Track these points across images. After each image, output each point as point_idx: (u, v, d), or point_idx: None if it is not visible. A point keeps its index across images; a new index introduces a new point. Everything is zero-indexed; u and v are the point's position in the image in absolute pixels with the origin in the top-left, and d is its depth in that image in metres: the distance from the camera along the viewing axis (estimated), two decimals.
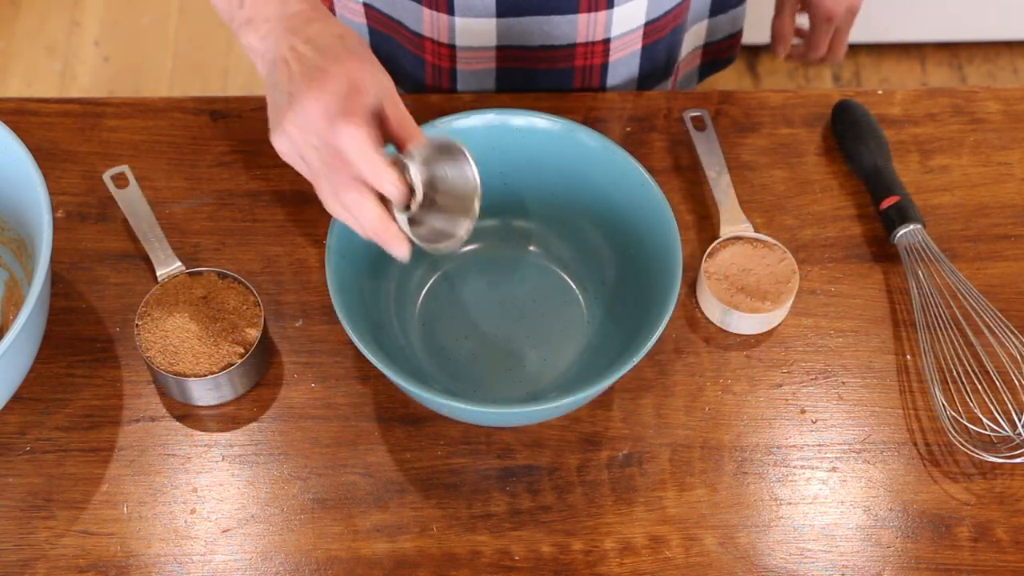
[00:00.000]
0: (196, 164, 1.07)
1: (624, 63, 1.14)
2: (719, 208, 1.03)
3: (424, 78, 1.15)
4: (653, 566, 0.89)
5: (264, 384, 0.96)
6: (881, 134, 1.08)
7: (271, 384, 0.96)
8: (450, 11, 1.07)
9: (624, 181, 0.95)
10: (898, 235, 1.02)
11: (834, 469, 0.94)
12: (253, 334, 0.94)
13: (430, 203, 0.84)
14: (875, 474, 0.94)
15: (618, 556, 0.90)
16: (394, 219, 0.81)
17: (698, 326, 1.00)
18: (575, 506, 0.92)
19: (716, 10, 1.21)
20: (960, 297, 0.99)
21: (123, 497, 0.91)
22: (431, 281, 1.00)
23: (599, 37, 1.09)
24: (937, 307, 0.98)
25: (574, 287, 1.00)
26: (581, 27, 1.08)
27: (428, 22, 1.09)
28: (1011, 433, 0.94)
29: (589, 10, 1.06)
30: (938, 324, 0.97)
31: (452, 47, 1.10)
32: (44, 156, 1.06)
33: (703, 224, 1.05)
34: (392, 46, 1.15)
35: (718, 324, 0.99)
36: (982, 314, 0.97)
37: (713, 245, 1.01)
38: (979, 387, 0.95)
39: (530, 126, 0.96)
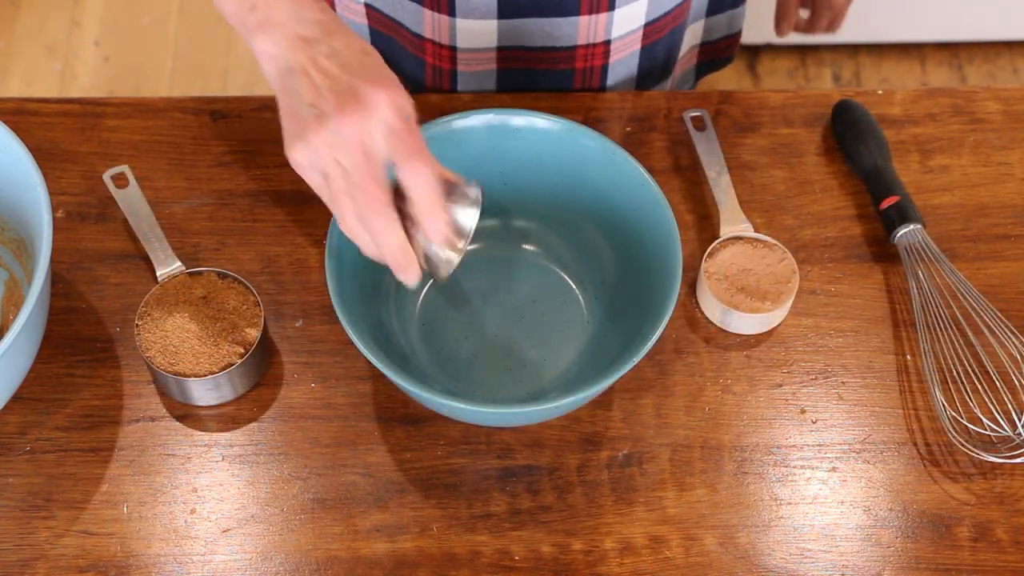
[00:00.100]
0: (196, 164, 1.07)
1: (623, 63, 1.14)
2: (719, 208, 1.03)
3: (424, 79, 1.15)
4: (653, 566, 0.89)
5: (264, 384, 0.96)
6: (881, 134, 1.08)
7: (271, 384, 0.96)
8: (451, 12, 1.07)
9: (624, 181, 0.95)
10: (898, 235, 1.02)
11: (834, 469, 0.94)
12: (253, 334, 0.94)
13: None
14: (875, 474, 0.94)
15: (618, 556, 0.90)
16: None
17: (698, 326, 1.00)
18: (575, 506, 0.92)
19: (713, 10, 1.21)
20: (960, 297, 0.99)
21: (123, 497, 0.91)
22: (431, 281, 1.00)
23: (600, 39, 1.09)
24: (937, 307, 0.98)
25: (574, 287, 1.00)
26: (582, 29, 1.08)
27: (429, 23, 1.09)
28: (1011, 433, 0.94)
29: (590, 12, 1.07)
30: (938, 324, 0.97)
31: (453, 48, 1.10)
32: (44, 156, 1.06)
33: (703, 224, 1.05)
34: (392, 47, 1.15)
35: (718, 324, 0.99)
36: (982, 314, 0.97)
37: (713, 245, 1.01)
38: (979, 387, 0.95)
39: (530, 126, 0.96)
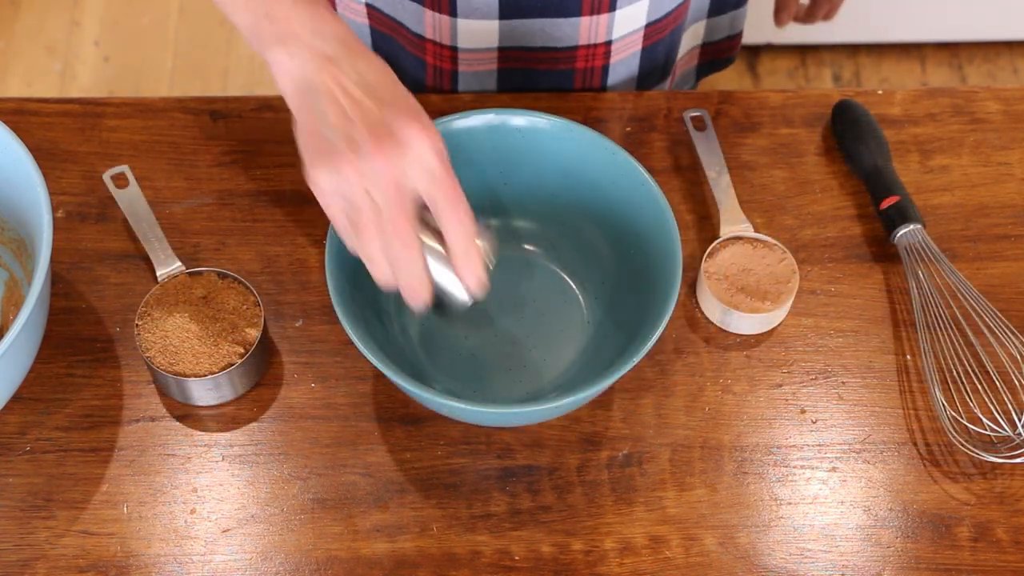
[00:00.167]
0: (196, 164, 1.07)
1: (624, 64, 1.14)
2: (719, 208, 1.03)
3: (425, 79, 1.15)
4: (653, 566, 0.89)
5: (264, 384, 0.96)
6: (881, 134, 1.08)
7: (271, 384, 0.96)
8: (452, 13, 1.07)
9: (624, 181, 0.95)
10: (898, 235, 1.02)
11: (834, 469, 0.94)
12: (253, 334, 0.94)
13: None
14: (875, 474, 0.94)
15: (618, 556, 0.90)
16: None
17: (698, 326, 1.00)
18: (575, 506, 0.92)
19: (715, 11, 1.21)
20: (960, 297, 0.99)
21: (123, 497, 0.91)
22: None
23: (601, 39, 1.09)
24: (937, 307, 0.98)
25: (574, 287, 1.00)
26: (583, 29, 1.08)
27: (430, 23, 1.09)
28: (1011, 433, 0.94)
29: (592, 12, 1.07)
30: (938, 324, 0.97)
31: (454, 49, 1.10)
32: (44, 156, 1.06)
33: (703, 224, 1.05)
34: (393, 47, 1.15)
35: (718, 324, 0.99)
36: (982, 314, 0.97)
37: (713, 245, 1.01)
38: (979, 387, 0.95)
39: (530, 126, 0.96)
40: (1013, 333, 0.96)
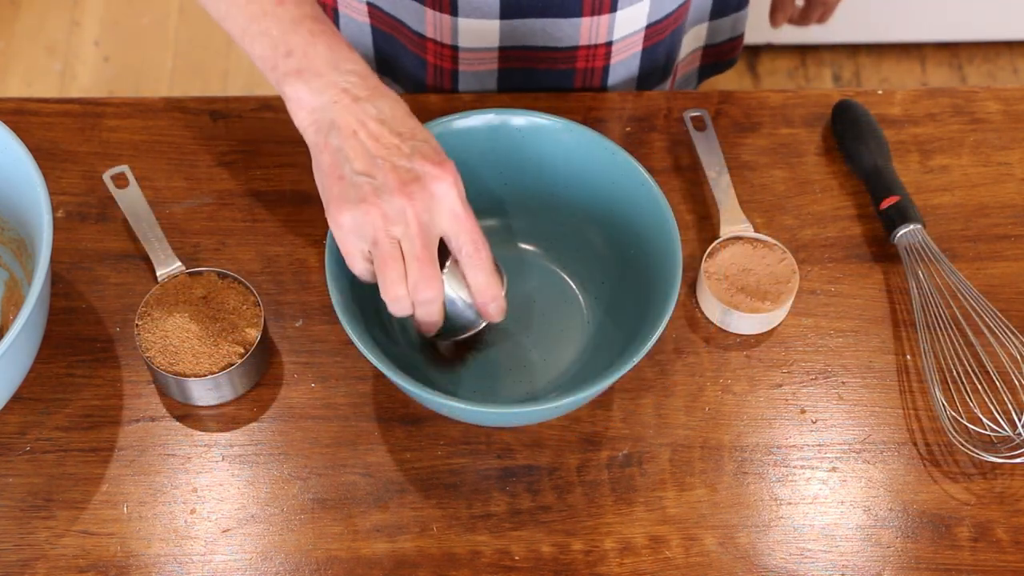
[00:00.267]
0: (196, 164, 1.07)
1: (624, 64, 1.14)
2: (719, 208, 1.03)
3: (425, 78, 1.15)
4: (653, 566, 0.89)
5: (264, 384, 0.96)
6: (881, 134, 1.08)
7: (271, 384, 0.96)
8: (453, 12, 1.07)
9: (624, 181, 0.95)
10: (898, 235, 1.02)
11: (834, 469, 0.94)
12: (253, 334, 0.94)
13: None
14: (875, 474, 0.94)
15: (618, 556, 0.90)
16: None
17: (698, 326, 1.00)
18: (575, 506, 0.92)
19: (717, 13, 1.21)
20: (960, 297, 0.99)
21: (123, 497, 0.91)
22: None
23: (602, 40, 1.09)
24: (937, 307, 0.98)
25: (574, 287, 1.00)
26: (584, 30, 1.08)
27: (431, 23, 1.09)
28: (1011, 433, 0.94)
29: (593, 13, 1.06)
30: (938, 324, 0.97)
31: (455, 48, 1.10)
32: (44, 156, 1.06)
33: (703, 224, 1.05)
34: (394, 46, 1.15)
35: (718, 324, 0.99)
36: (982, 314, 0.97)
37: (713, 245, 1.01)
38: (979, 387, 0.95)
39: (531, 126, 0.96)
40: (1013, 333, 0.96)
